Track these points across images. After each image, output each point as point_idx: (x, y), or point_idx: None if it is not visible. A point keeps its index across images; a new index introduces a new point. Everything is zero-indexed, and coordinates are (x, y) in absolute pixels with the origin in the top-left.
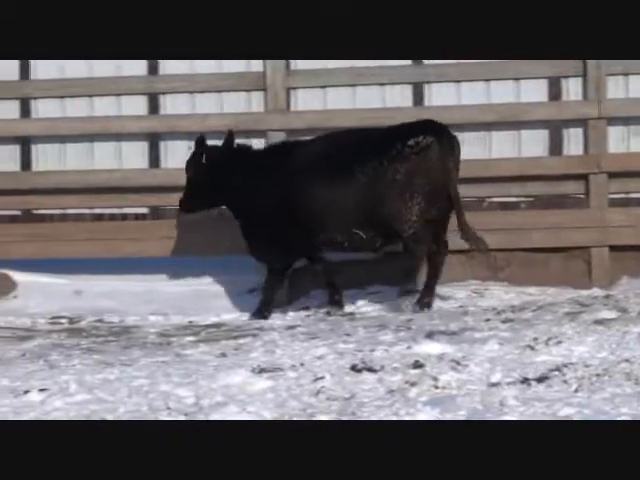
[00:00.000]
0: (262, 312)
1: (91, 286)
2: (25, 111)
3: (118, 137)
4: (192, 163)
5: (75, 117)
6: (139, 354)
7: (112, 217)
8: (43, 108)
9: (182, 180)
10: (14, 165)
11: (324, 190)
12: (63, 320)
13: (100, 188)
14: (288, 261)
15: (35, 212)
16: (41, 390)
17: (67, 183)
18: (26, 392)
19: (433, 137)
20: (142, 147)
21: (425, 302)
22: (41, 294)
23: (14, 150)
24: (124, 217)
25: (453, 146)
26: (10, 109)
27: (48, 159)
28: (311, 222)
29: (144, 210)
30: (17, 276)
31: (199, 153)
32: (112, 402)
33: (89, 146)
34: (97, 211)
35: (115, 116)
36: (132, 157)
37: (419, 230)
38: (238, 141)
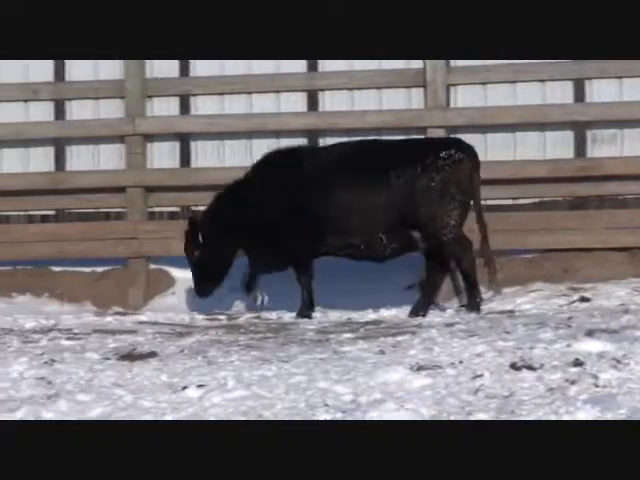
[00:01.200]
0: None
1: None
2: (185, 108)
3: (277, 134)
4: (191, 246)
5: (234, 114)
6: (297, 351)
7: None
8: (202, 105)
9: None
10: (174, 162)
11: (351, 193)
12: (221, 316)
13: None
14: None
15: (194, 209)
16: (199, 386)
17: (226, 180)
18: (184, 388)
19: (463, 153)
20: (301, 144)
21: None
22: None
23: (173, 147)
24: None
25: (478, 165)
26: (170, 106)
27: (207, 156)
28: (331, 226)
29: None
30: (176, 272)
31: (194, 233)
32: (270, 398)
33: (247, 143)
34: None
35: (274, 113)
36: None
37: (461, 235)
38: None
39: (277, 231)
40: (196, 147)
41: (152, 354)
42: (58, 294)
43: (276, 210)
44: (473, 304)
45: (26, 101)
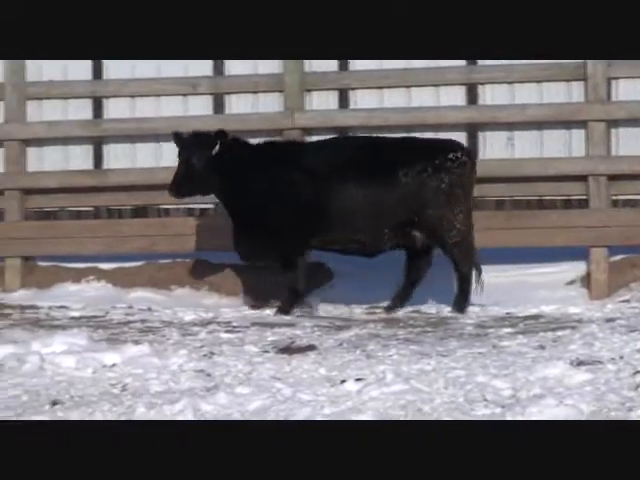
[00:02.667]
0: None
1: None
2: (343, 102)
3: (436, 128)
4: (204, 150)
5: (392, 108)
6: (456, 345)
7: None
8: (361, 99)
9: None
10: None
11: (361, 190)
12: (379, 310)
13: None
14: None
15: None
16: (358, 379)
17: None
18: (343, 381)
19: (466, 155)
20: (460, 138)
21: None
22: (357, 283)
23: None
24: None
25: (475, 166)
26: (329, 100)
27: None
28: (340, 220)
29: None
30: (334, 265)
31: (213, 144)
32: (428, 393)
33: None
34: None
35: (432, 107)
36: None
37: (465, 240)
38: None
39: (268, 219)
40: None
41: (311, 347)
42: (217, 287)
43: (270, 198)
44: (457, 308)
45: (185, 95)
